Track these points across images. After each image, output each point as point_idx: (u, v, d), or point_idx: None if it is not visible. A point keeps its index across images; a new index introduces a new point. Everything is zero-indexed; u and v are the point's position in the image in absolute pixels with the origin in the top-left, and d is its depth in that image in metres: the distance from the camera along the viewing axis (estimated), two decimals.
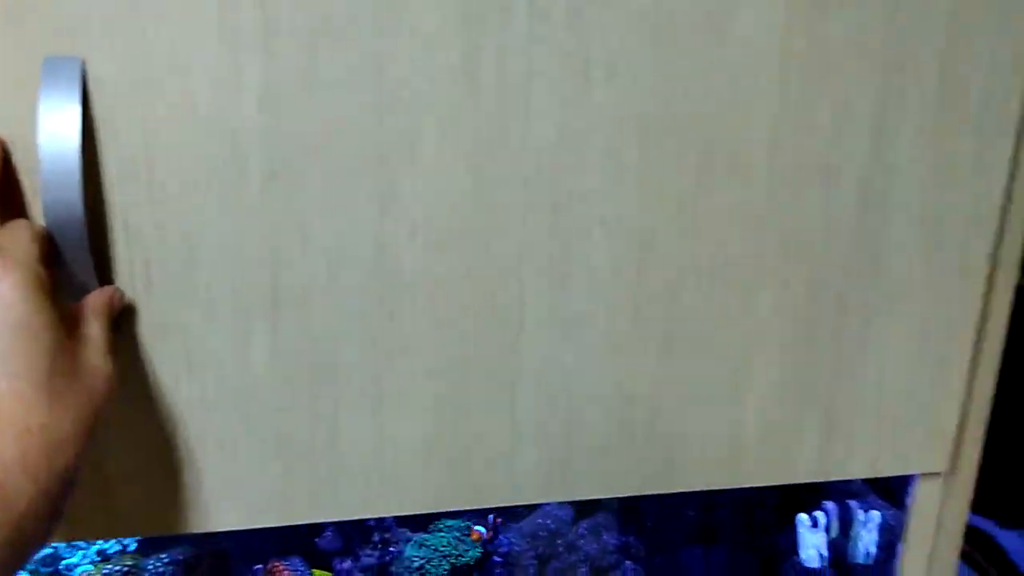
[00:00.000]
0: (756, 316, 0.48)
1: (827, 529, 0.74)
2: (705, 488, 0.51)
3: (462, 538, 0.93)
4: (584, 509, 0.97)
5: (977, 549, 0.92)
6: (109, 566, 0.80)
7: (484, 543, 0.90)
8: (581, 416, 0.48)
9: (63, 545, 0.80)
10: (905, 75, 0.45)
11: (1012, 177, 0.48)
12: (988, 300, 0.50)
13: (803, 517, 0.75)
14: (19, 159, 0.38)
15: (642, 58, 0.42)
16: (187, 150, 0.40)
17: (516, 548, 0.94)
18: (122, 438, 0.43)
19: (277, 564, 0.84)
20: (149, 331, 0.42)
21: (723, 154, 0.45)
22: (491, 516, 0.91)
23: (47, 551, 0.80)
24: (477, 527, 0.90)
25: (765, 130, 0.44)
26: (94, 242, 0.39)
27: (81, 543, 0.81)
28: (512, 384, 0.46)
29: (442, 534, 0.93)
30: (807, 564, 0.75)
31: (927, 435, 0.53)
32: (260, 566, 0.86)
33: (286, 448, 0.45)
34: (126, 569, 0.80)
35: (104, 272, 0.40)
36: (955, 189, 0.47)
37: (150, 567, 0.83)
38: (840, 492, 0.71)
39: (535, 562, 0.94)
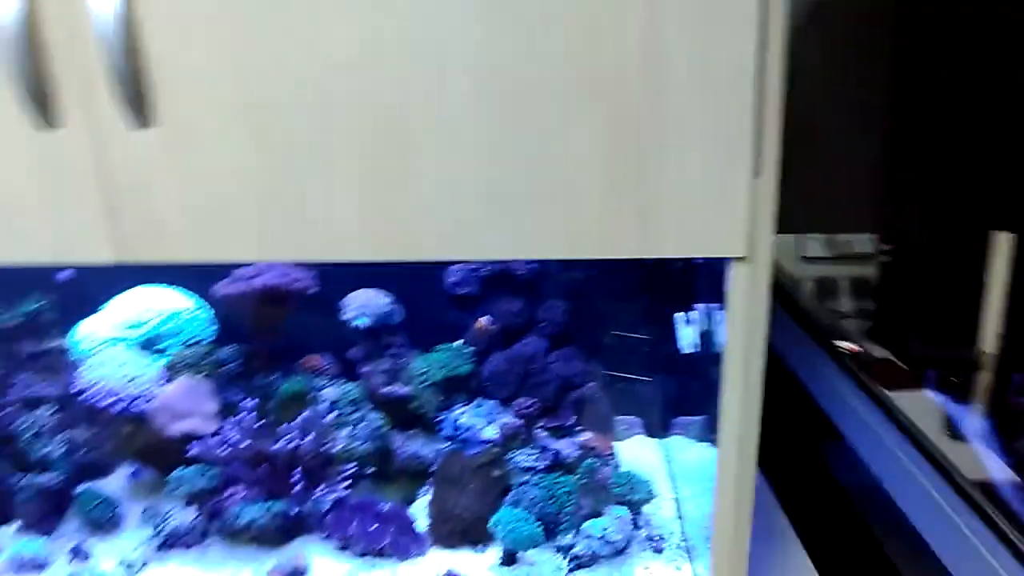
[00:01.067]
0: (583, 139, 0.67)
1: (697, 324, 0.93)
2: (552, 256, 0.71)
3: (457, 355, 1.15)
4: (555, 343, 1.18)
5: None
6: (192, 349, 1.07)
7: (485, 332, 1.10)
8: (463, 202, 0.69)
9: (158, 330, 1.08)
10: None
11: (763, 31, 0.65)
12: (760, 112, 0.67)
13: (679, 315, 0.94)
14: None
15: None
16: None
17: (500, 368, 1.16)
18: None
19: (313, 356, 1.09)
20: None
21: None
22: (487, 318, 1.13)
23: (144, 335, 1.08)
24: (483, 318, 1.12)
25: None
26: None
27: (171, 333, 1.09)
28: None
29: (440, 352, 1.15)
30: (683, 350, 0.94)
31: (726, 228, 0.71)
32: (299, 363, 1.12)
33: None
34: (205, 351, 1.08)
35: None
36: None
37: (223, 354, 1.10)
38: (707, 298, 0.88)
39: (516, 379, 1.16)
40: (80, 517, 1.06)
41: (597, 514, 0.99)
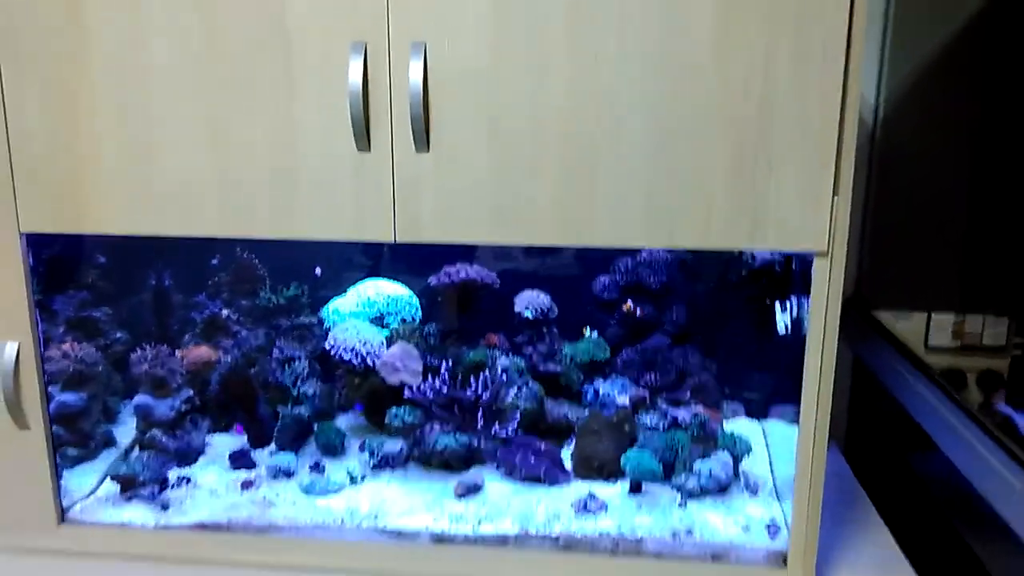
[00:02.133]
0: (715, 159, 0.97)
1: (791, 311, 1.19)
2: (691, 246, 1.01)
3: (598, 345, 1.44)
4: (676, 340, 1.45)
5: None
6: (406, 324, 1.42)
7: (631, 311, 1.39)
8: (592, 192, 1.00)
9: (384, 310, 1.43)
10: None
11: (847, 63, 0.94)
12: (840, 142, 0.95)
13: (777, 303, 1.21)
14: None
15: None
16: None
17: (631, 358, 1.44)
18: None
19: (492, 335, 1.41)
20: None
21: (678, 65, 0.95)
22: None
23: (374, 313, 1.43)
24: (629, 301, 1.41)
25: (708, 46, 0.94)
26: None
27: (392, 312, 1.43)
28: None
29: (585, 342, 1.45)
30: (780, 333, 1.20)
31: (812, 229, 0.99)
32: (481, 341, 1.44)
33: None
34: (414, 327, 1.41)
35: None
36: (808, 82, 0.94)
37: (427, 330, 1.43)
38: (798, 291, 1.14)
39: (643, 367, 1.44)
40: (318, 442, 1.39)
41: (706, 459, 1.25)
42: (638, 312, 1.39)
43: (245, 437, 1.42)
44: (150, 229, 1.10)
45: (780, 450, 1.34)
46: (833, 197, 0.98)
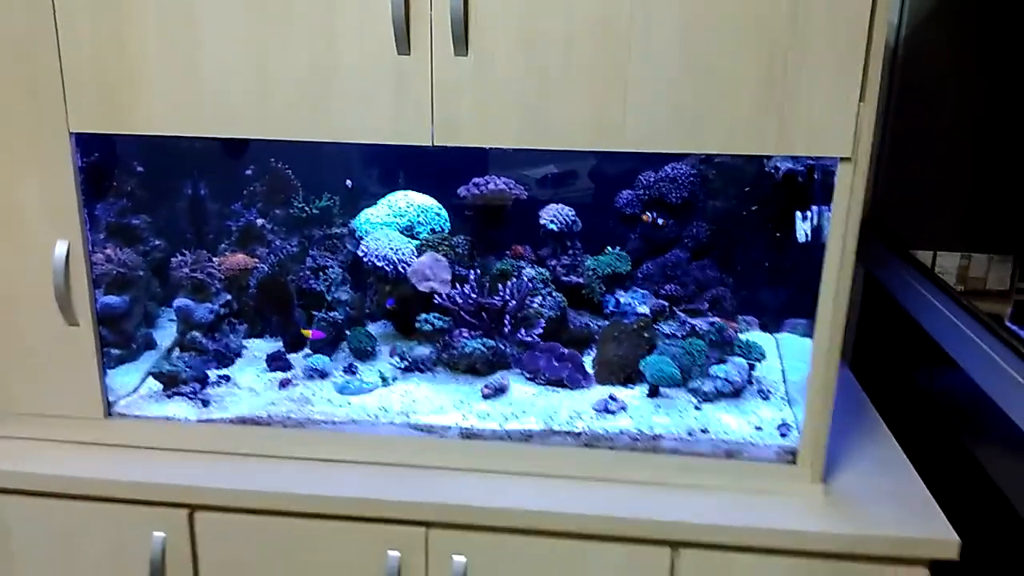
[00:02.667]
0: (744, 65, 0.99)
1: (811, 220, 1.23)
2: (718, 151, 1.03)
3: (619, 258, 1.48)
4: (695, 255, 1.49)
5: None
6: (436, 235, 1.45)
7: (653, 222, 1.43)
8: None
9: (413, 220, 1.47)
10: None
11: None
12: (869, 46, 0.97)
13: (798, 213, 1.24)
14: None
15: None
16: None
17: (651, 271, 1.48)
18: None
19: (518, 247, 1.45)
20: None
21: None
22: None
23: (404, 223, 1.47)
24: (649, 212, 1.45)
25: None
26: None
27: (422, 223, 1.47)
28: None
29: (607, 256, 1.49)
30: (799, 240, 1.24)
31: (838, 134, 1.01)
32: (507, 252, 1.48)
33: None
34: (443, 237, 1.45)
35: None
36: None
37: (456, 241, 1.47)
38: (818, 202, 1.17)
39: (662, 280, 1.47)
40: (351, 345, 1.45)
41: (721, 364, 1.30)
42: (660, 222, 1.43)
43: (280, 341, 1.47)
44: (195, 129, 1.13)
45: (792, 361, 1.39)
46: (859, 103, 1.00)
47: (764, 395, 1.31)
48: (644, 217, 1.45)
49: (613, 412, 1.27)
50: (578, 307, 1.46)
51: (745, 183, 1.42)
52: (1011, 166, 1.48)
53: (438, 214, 1.50)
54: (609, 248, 1.49)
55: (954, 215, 1.57)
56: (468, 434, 1.26)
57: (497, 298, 1.38)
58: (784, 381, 1.36)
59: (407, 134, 1.10)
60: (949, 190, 1.56)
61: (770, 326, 1.52)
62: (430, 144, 1.09)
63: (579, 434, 1.23)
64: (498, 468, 1.23)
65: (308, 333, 1.40)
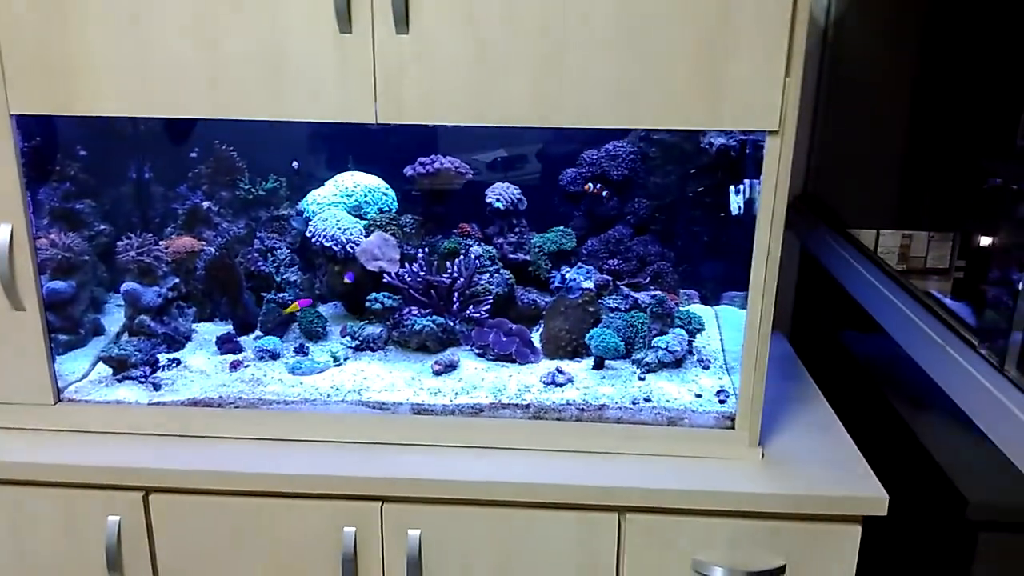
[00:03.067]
0: (678, 47, 1.03)
1: (744, 194, 1.28)
2: (655, 126, 1.07)
3: (564, 235, 1.51)
4: (637, 231, 1.52)
5: None
6: (383, 214, 1.46)
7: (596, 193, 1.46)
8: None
9: (360, 200, 1.48)
10: None
11: None
12: (793, 24, 1.01)
13: (732, 187, 1.29)
14: None
15: None
16: None
17: (595, 247, 1.51)
18: None
19: (465, 225, 1.47)
20: None
21: None
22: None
23: (352, 203, 1.48)
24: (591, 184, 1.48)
25: None
26: None
27: (370, 203, 1.48)
28: None
29: (552, 233, 1.52)
30: (733, 213, 1.29)
31: (766, 109, 1.05)
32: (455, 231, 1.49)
33: None
34: (389, 219, 1.46)
35: None
36: None
37: (404, 220, 1.48)
38: (751, 176, 1.22)
39: (606, 255, 1.51)
40: (301, 327, 1.45)
41: (663, 335, 1.35)
42: (604, 193, 1.46)
43: (230, 324, 1.47)
44: (140, 110, 1.12)
45: (730, 332, 1.44)
46: (785, 78, 1.04)
47: (704, 364, 1.36)
48: (586, 187, 1.48)
49: (560, 384, 1.30)
50: (525, 284, 1.49)
51: (683, 160, 1.46)
52: (946, 145, 1.54)
53: (385, 194, 1.51)
54: (555, 226, 1.52)
55: (892, 194, 1.64)
56: (419, 410, 1.28)
57: (446, 276, 1.40)
58: (723, 351, 1.41)
59: (351, 112, 1.11)
60: (886, 169, 1.62)
61: (709, 299, 1.56)
62: (374, 122, 1.10)
63: (527, 406, 1.26)
64: (450, 442, 1.25)
65: (295, 307, 1.40)
